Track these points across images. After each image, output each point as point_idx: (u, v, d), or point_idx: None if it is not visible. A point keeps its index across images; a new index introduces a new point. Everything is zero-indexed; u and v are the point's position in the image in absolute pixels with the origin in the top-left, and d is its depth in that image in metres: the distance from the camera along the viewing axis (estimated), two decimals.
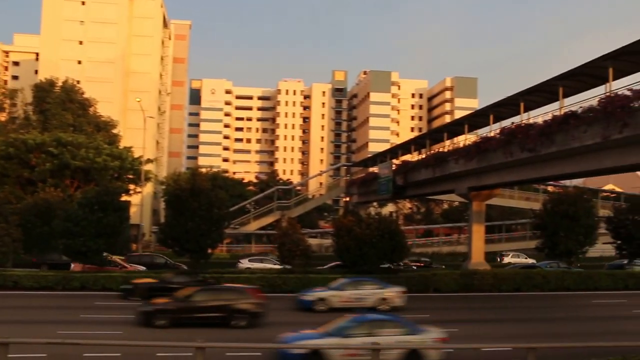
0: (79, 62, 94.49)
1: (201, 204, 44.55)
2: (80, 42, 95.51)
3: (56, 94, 76.27)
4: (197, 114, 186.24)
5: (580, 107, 34.45)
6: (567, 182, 77.95)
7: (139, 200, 73.10)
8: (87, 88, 78.96)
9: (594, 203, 61.66)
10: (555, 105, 40.09)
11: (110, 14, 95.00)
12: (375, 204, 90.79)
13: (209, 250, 46.98)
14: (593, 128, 32.76)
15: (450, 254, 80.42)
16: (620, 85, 33.00)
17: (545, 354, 19.40)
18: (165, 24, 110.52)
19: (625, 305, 42.12)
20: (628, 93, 30.25)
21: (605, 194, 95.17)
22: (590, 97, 35.30)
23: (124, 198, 58.16)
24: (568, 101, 39.18)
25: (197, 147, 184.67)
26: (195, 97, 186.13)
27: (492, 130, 47.14)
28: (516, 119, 44.08)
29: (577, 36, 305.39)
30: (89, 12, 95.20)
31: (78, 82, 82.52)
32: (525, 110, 43.64)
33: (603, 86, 36.00)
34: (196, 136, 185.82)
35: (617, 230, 55.30)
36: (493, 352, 22.11)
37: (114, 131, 75.61)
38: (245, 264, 57.70)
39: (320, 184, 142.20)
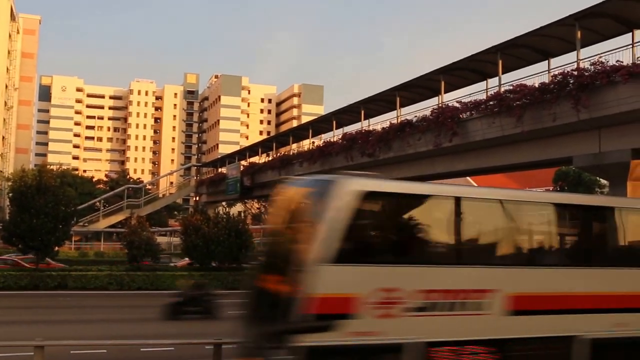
0: None
1: (47, 201, 42.58)
2: None
3: None
4: (47, 111, 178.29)
5: (415, 116, 35.50)
6: None
7: None
8: None
9: None
10: (393, 114, 41.15)
11: None
12: (224, 203, 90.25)
13: (55, 248, 45.12)
14: (426, 136, 33.80)
15: None
16: (451, 98, 34.41)
17: None
18: (13, 17, 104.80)
19: None
20: (457, 105, 31.42)
21: None
22: (424, 108, 36.56)
23: None
24: (405, 110, 40.34)
25: (46, 144, 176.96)
26: (45, 93, 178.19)
27: (334, 135, 47.84)
28: (357, 126, 44.95)
29: (414, 48, 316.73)
30: None
31: None
32: (366, 118, 44.54)
33: (436, 98, 37.27)
34: (46, 133, 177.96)
35: None
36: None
37: None
38: None
39: (171, 183, 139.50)
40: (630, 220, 14.83)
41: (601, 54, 23.91)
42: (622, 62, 22.68)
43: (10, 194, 46.37)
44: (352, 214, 11.51)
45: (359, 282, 11.60)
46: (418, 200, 12.93)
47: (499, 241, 13.94)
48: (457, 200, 12.78)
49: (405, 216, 13.12)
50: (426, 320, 11.96)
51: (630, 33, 25.11)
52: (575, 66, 24.48)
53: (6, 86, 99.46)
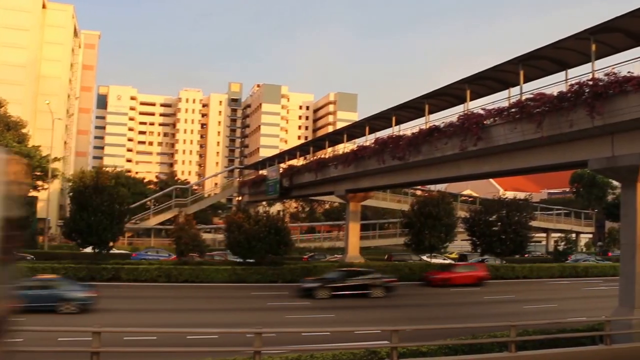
0: None
1: (103, 200, 43.61)
2: None
3: None
4: (103, 118, 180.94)
5: (443, 122, 35.56)
6: (432, 187, 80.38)
7: (46, 196, 70.47)
8: None
9: (454, 205, 63.81)
10: (421, 120, 41.23)
11: (23, 21, 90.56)
12: (264, 203, 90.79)
13: (110, 243, 46.01)
14: (453, 141, 33.84)
15: (331, 249, 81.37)
16: (476, 105, 34.37)
17: (408, 336, 20.03)
18: (76, 33, 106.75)
19: (478, 293, 43.89)
20: (482, 112, 31.41)
21: (463, 197, 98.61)
22: (451, 114, 36.63)
23: (32, 194, 56.00)
24: (433, 117, 40.35)
25: (102, 148, 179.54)
26: (102, 102, 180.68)
27: (367, 140, 48.01)
28: (389, 131, 45.06)
29: (443, 62, 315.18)
30: (1, 18, 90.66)
31: None
32: (397, 124, 44.61)
33: (462, 105, 37.25)
34: (102, 138, 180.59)
35: (472, 229, 57.53)
36: (364, 334, 22.61)
37: (24, 131, 72.31)
38: None
39: (215, 184, 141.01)
40: None
41: (614, 65, 23.88)
42: (632, 73, 22.64)
43: (71, 194, 47.36)
44: None
45: None
46: None
47: None
48: None
49: None
50: None
51: None
52: (591, 77, 24.45)
53: (69, 95, 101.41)
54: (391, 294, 39.64)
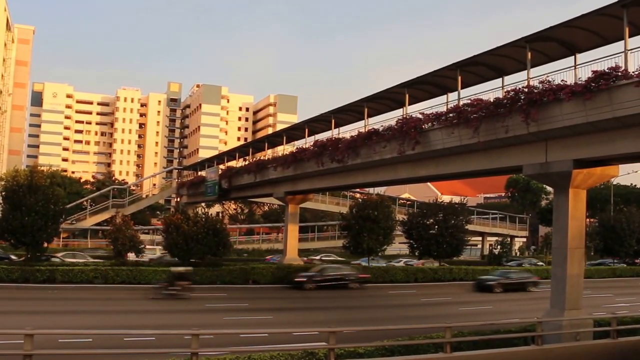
0: None
1: (38, 199, 42.46)
2: None
3: None
4: (38, 115, 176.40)
5: (382, 126, 35.75)
6: (371, 190, 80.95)
7: None
8: None
9: (393, 209, 64.28)
10: (361, 123, 41.38)
11: None
12: (203, 204, 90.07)
13: (45, 244, 44.88)
14: (391, 144, 34.07)
15: (269, 251, 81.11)
16: (415, 109, 34.69)
17: (346, 337, 20.08)
18: (9, 27, 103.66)
19: (415, 295, 44.37)
20: (420, 116, 31.74)
21: (402, 201, 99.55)
22: (390, 118, 36.84)
23: None
24: (372, 120, 40.54)
25: (37, 146, 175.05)
26: (37, 99, 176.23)
27: (307, 142, 47.99)
28: (328, 134, 45.12)
29: (383, 68, 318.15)
30: None
31: None
32: (336, 126, 44.67)
33: (401, 109, 37.55)
34: (37, 136, 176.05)
35: (410, 232, 58.09)
36: (302, 335, 22.59)
37: None
38: None
39: (154, 185, 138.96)
40: None
41: (548, 73, 24.42)
42: (566, 81, 23.21)
43: (3, 193, 45.87)
44: None
45: None
46: None
47: None
48: None
49: None
50: None
51: (573, 56, 25.65)
52: (526, 84, 24.97)
53: (0, 92, 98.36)
54: None
